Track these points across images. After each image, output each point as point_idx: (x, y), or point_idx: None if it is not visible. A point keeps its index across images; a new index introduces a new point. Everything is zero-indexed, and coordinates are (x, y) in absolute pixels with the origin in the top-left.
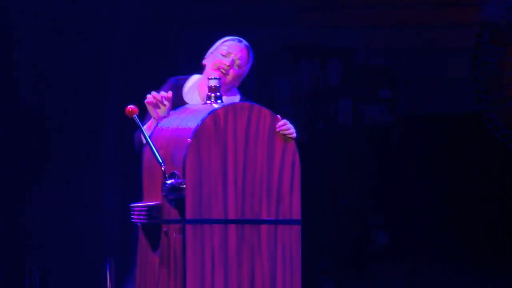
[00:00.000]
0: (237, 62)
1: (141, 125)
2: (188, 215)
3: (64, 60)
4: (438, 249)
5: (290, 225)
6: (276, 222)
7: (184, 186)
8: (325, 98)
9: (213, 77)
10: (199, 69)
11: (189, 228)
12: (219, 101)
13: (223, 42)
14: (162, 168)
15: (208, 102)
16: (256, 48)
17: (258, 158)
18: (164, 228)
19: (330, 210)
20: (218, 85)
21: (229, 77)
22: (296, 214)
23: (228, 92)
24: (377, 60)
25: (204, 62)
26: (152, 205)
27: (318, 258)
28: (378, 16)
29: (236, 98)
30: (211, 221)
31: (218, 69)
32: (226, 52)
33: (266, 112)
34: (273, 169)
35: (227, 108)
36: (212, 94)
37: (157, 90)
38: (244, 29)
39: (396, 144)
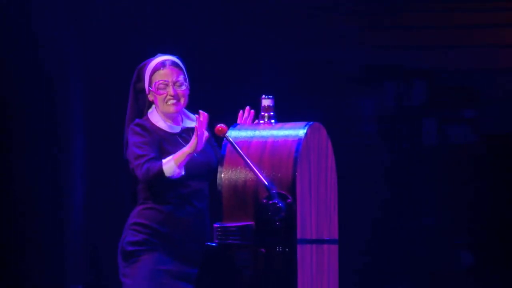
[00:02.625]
0: (177, 84)
1: (235, 144)
2: (299, 235)
3: None
4: None
5: (336, 244)
6: (334, 241)
7: (295, 206)
8: (410, 118)
9: (265, 96)
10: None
11: (299, 248)
12: (272, 121)
13: (151, 73)
14: (271, 190)
15: (262, 122)
16: (340, 69)
17: (322, 177)
18: (262, 249)
19: (413, 229)
20: (271, 104)
21: (182, 100)
22: (336, 233)
23: (184, 113)
24: (460, 80)
25: (149, 97)
26: (244, 226)
27: (401, 277)
28: (460, 36)
29: (192, 116)
30: (311, 241)
31: (168, 101)
32: (163, 85)
33: (325, 132)
34: (327, 188)
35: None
36: (266, 114)
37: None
38: (327, 51)
39: (481, 164)
